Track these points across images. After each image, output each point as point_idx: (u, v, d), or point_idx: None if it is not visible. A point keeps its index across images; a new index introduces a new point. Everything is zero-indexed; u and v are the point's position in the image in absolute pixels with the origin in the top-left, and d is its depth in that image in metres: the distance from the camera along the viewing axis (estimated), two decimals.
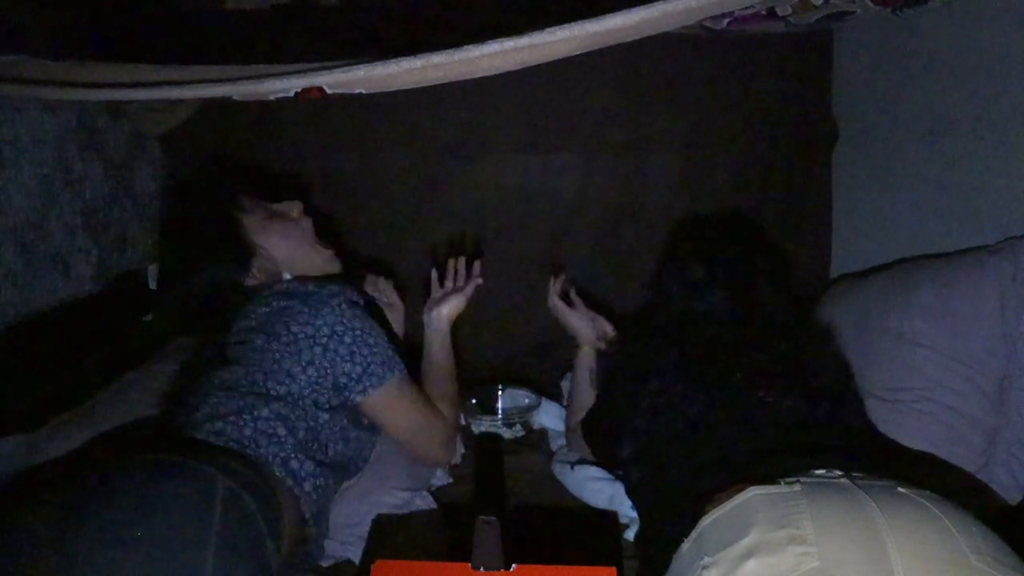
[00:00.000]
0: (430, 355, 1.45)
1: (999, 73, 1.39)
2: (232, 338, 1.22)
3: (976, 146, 1.46)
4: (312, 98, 1.04)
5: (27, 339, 1.42)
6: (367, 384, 1.21)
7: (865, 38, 1.79)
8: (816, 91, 1.92)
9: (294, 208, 1.40)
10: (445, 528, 1.32)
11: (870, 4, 1.34)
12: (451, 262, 1.56)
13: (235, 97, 1.07)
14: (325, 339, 1.17)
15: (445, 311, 1.46)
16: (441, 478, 1.48)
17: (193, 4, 1.79)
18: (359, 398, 1.22)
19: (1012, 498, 1.26)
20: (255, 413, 1.11)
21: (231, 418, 1.10)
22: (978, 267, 1.34)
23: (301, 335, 1.16)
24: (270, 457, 1.09)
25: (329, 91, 1.01)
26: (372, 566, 0.98)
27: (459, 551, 0.98)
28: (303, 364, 1.16)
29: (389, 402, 1.25)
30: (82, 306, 1.60)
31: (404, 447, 1.34)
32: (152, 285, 1.91)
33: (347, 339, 1.19)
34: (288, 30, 1.79)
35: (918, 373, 1.34)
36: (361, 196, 1.93)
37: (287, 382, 1.16)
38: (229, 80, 1.02)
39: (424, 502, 1.38)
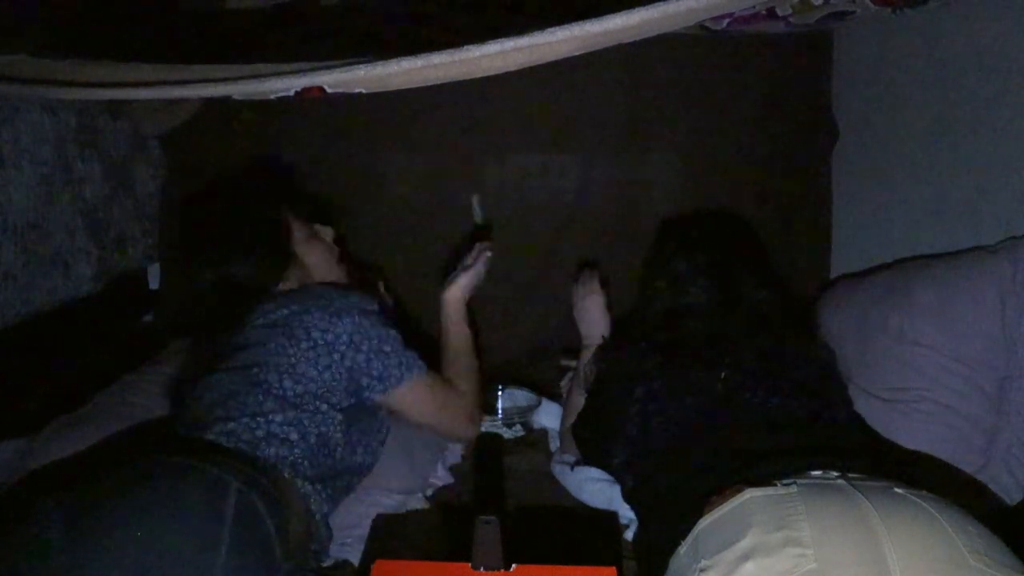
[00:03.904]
0: (446, 333, 1.47)
1: (999, 73, 1.39)
2: (245, 338, 1.22)
3: (976, 146, 1.46)
4: (312, 98, 1.04)
5: (27, 339, 1.42)
6: (387, 385, 1.25)
7: (865, 38, 1.79)
8: (816, 91, 1.91)
9: (329, 233, 1.46)
10: (445, 528, 1.33)
11: (870, 4, 1.34)
12: (463, 247, 1.58)
13: (235, 97, 1.08)
14: (344, 347, 1.20)
15: (455, 288, 1.48)
16: (442, 478, 1.49)
17: (193, 4, 1.79)
18: (378, 397, 1.25)
19: (1012, 498, 1.26)
20: (269, 417, 1.12)
21: (244, 419, 1.11)
22: (978, 267, 1.34)
23: (321, 341, 1.18)
24: (280, 460, 1.09)
25: (329, 91, 1.02)
26: (372, 566, 0.98)
27: (459, 551, 0.98)
28: (320, 368, 1.18)
29: (409, 398, 1.29)
30: (82, 306, 1.60)
31: (430, 431, 1.39)
32: (152, 285, 1.91)
33: (364, 347, 1.22)
34: (288, 30, 1.79)
35: (918, 373, 1.34)
36: (361, 196, 1.93)
37: (304, 382, 1.17)
38: (229, 80, 1.03)
39: (418, 503, 1.39)
